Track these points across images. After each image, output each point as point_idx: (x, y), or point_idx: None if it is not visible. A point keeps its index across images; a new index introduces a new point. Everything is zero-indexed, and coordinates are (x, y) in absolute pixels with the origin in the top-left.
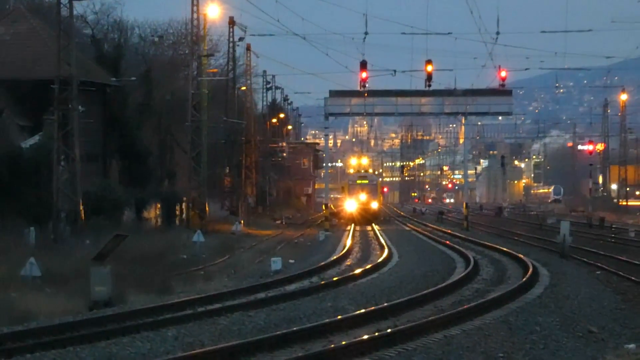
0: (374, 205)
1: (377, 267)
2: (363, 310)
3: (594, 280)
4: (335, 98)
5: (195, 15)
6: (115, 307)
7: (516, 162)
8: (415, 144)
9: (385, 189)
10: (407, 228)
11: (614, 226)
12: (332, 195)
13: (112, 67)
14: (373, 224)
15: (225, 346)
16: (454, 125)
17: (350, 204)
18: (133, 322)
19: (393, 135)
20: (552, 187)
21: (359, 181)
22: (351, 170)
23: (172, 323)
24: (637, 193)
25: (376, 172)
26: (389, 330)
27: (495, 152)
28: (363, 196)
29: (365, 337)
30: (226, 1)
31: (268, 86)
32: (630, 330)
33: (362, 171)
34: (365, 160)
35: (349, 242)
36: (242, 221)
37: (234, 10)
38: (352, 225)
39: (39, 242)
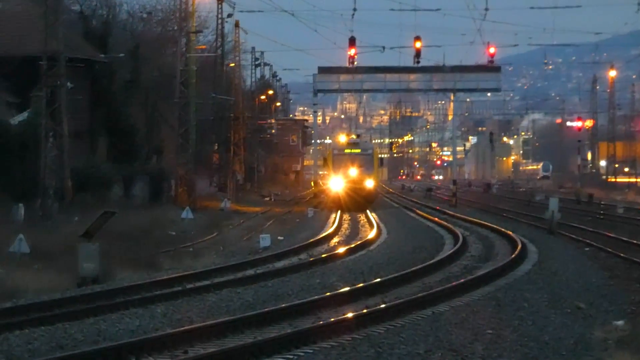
0: (369, 183)
1: (365, 244)
2: (352, 287)
3: (582, 256)
4: (324, 74)
5: None
6: (104, 283)
7: (505, 139)
8: (404, 121)
9: None
10: (396, 205)
11: (602, 203)
12: (321, 172)
13: (100, 44)
14: (367, 211)
15: (214, 323)
16: (443, 102)
17: (336, 183)
18: (121, 299)
19: (382, 112)
20: (541, 164)
21: (347, 150)
22: None
23: (160, 300)
24: (626, 170)
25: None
26: (377, 307)
27: (484, 128)
28: (353, 171)
29: (354, 313)
30: None
31: (256, 63)
32: (618, 306)
33: (353, 137)
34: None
35: (337, 219)
36: (230, 198)
37: None
38: (338, 212)
39: (27, 219)
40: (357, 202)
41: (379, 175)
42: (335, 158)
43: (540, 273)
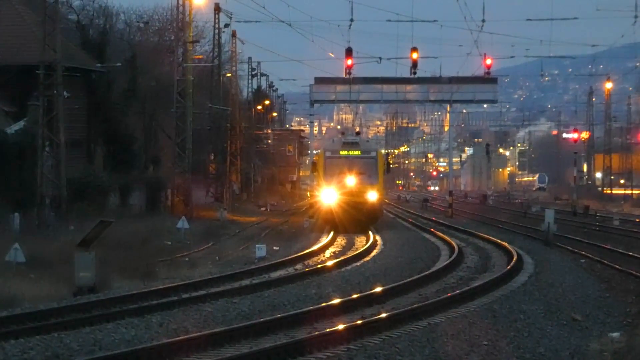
0: (372, 196)
1: (361, 254)
2: (347, 298)
3: (578, 268)
4: (321, 85)
5: (180, 2)
6: (100, 293)
7: (501, 150)
8: (400, 132)
9: None
10: (392, 215)
11: (598, 214)
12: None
13: (97, 53)
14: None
15: (210, 333)
16: (439, 113)
17: (329, 195)
18: (117, 308)
19: (378, 122)
20: (537, 175)
21: (344, 152)
22: None
23: (156, 309)
24: (622, 181)
25: None
26: (373, 318)
27: (480, 140)
28: (351, 180)
29: (350, 324)
30: None
31: (253, 73)
32: (614, 318)
33: (351, 133)
34: None
35: (333, 231)
36: (226, 208)
37: None
38: (332, 232)
39: (23, 228)
40: (357, 220)
41: (385, 185)
42: (328, 162)
43: (537, 284)
